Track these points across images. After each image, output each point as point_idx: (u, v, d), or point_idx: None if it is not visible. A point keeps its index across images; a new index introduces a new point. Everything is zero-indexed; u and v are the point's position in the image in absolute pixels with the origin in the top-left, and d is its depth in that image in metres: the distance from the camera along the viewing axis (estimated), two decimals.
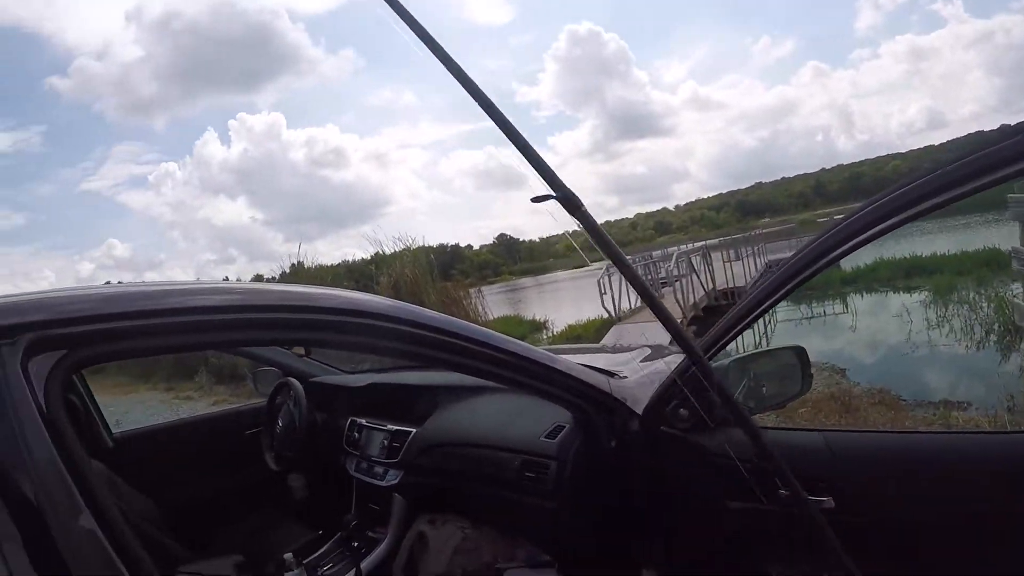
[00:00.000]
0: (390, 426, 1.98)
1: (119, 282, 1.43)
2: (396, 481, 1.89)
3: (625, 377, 1.61)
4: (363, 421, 2.12)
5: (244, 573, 1.69)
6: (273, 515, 2.20)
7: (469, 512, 1.73)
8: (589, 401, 1.42)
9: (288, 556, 1.71)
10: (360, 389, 2.30)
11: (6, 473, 0.77)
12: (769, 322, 10.40)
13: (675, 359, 1.81)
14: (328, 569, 1.86)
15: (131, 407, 9.19)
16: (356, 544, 1.90)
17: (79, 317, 0.90)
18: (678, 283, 11.17)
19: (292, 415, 2.15)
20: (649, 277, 13.50)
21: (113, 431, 2.30)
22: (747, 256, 15.65)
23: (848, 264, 13.60)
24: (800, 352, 1.39)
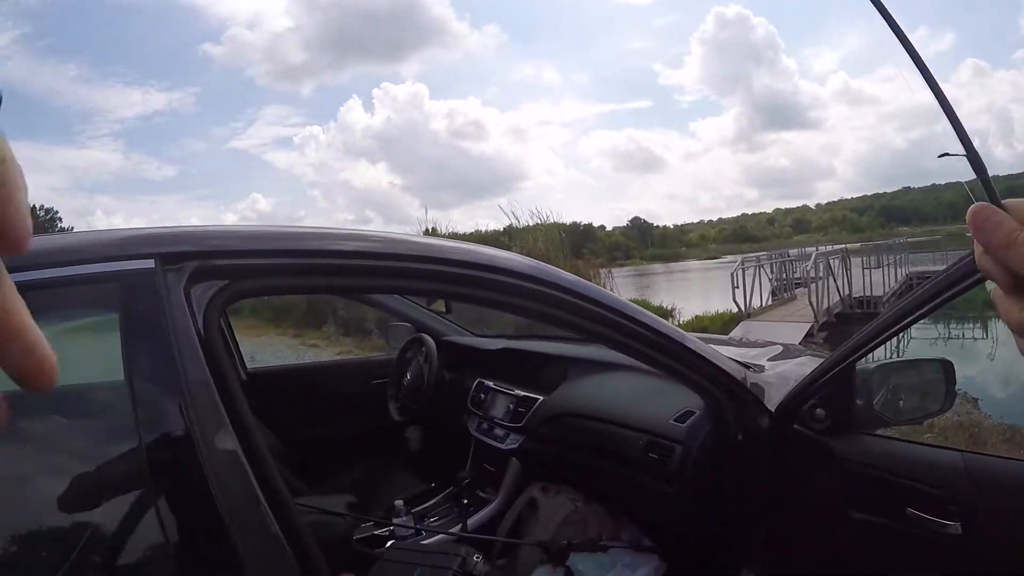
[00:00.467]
0: (517, 391, 2.01)
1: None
2: (516, 446, 1.92)
3: (762, 371, 1.55)
4: (491, 383, 2.16)
5: (355, 511, 1.77)
6: (389, 463, 2.29)
7: (583, 486, 1.74)
8: (723, 390, 1.37)
9: (399, 503, 1.80)
10: (491, 352, 2.34)
11: (162, 390, 0.83)
12: (902, 338, 9.50)
13: (808, 360, 1.76)
14: (435, 521, 1.93)
15: (260, 348, 9.86)
16: (466, 501, 1.95)
17: (241, 250, 0.97)
18: (813, 285, 10.51)
19: (422, 370, 2.21)
20: (784, 276, 13.25)
21: (249, 366, 2.50)
22: (888, 265, 14.44)
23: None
24: (947, 366, 1.28)
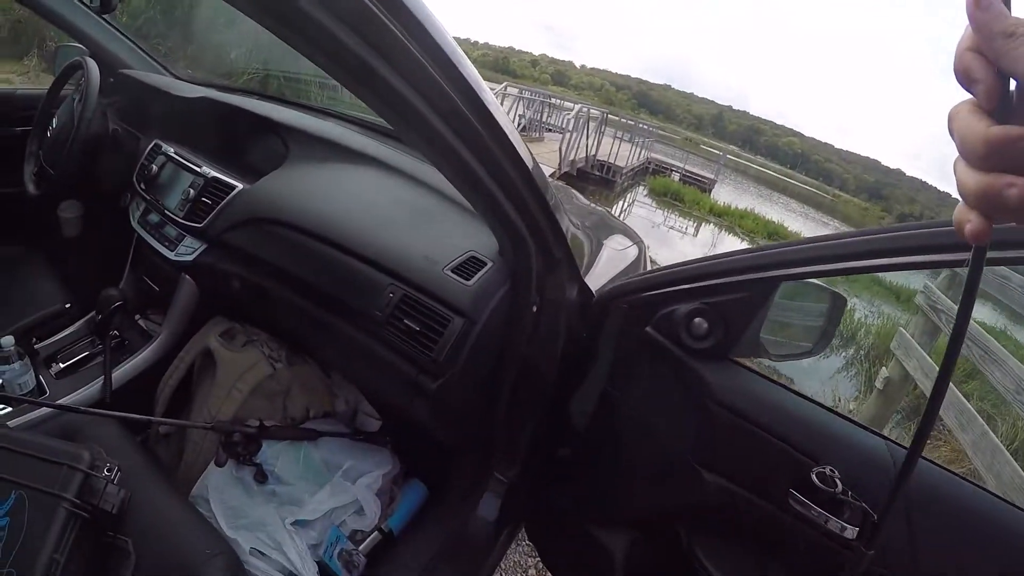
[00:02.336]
0: (207, 169, 1.35)
1: None
2: (191, 257, 1.31)
3: (579, 227, 1.14)
4: (171, 150, 1.44)
5: None
6: (17, 258, 1.57)
7: (288, 335, 1.23)
8: (537, 235, 0.90)
9: (7, 340, 1.17)
10: (184, 102, 1.56)
11: None
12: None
13: (617, 236, 1.46)
14: (64, 366, 1.32)
15: None
16: (114, 336, 1.36)
17: None
18: (567, 136, 10.84)
19: (73, 114, 1.43)
20: (538, 119, 13.29)
21: None
22: (636, 144, 15.79)
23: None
24: (838, 301, 0.98)
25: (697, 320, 0.91)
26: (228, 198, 1.28)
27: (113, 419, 1.00)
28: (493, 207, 0.81)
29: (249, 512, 1.01)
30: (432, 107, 0.60)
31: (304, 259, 1.11)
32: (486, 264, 1.02)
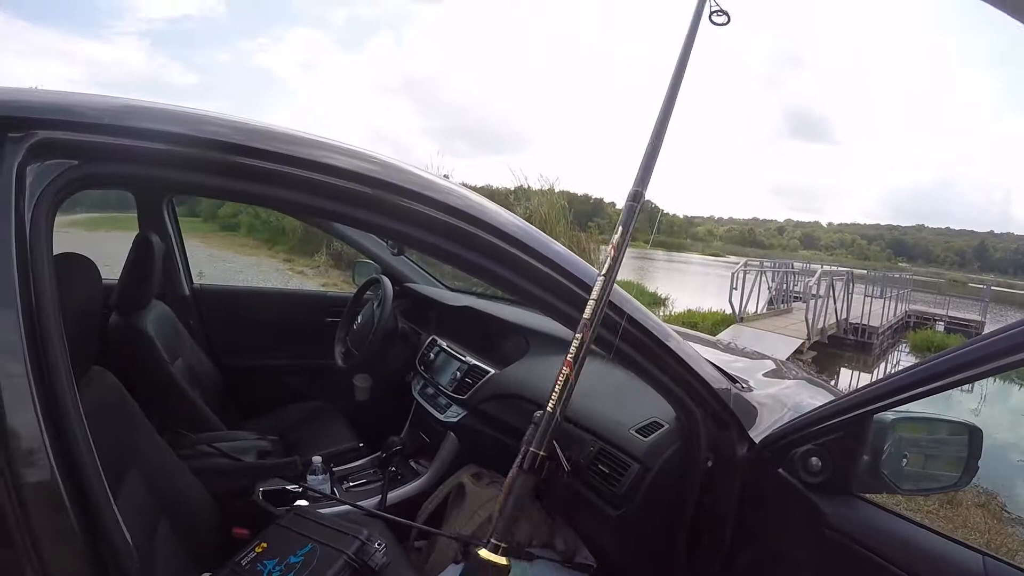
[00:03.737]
0: (469, 358, 1.81)
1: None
2: (456, 419, 1.73)
3: (749, 389, 1.29)
4: (444, 343, 1.97)
5: (271, 457, 1.64)
6: (322, 411, 2.10)
7: None
8: (703, 405, 1.12)
9: (317, 459, 1.63)
10: (452, 309, 2.14)
11: None
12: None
13: (806, 387, 1.52)
14: (355, 485, 1.74)
15: (247, 268, 9.90)
16: (393, 469, 1.78)
17: (111, 126, 0.72)
18: (812, 302, 10.38)
19: (373, 315, 2.02)
20: (784, 288, 13.16)
21: (196, 281, 2.30)
22: (890, 297, 14.36)
23: None
24: (974, 433, 1.00)
25: (813, 459, 1.01)
26: (484, 379, 1.70)
27: (384, 522, 1.34)
28: (657, 386, 1.10)
29: None
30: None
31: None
32: (663, 426, 1.24)
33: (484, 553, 0.55)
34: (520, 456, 0.87)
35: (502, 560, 0.56)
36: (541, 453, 0.76)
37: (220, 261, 9.56)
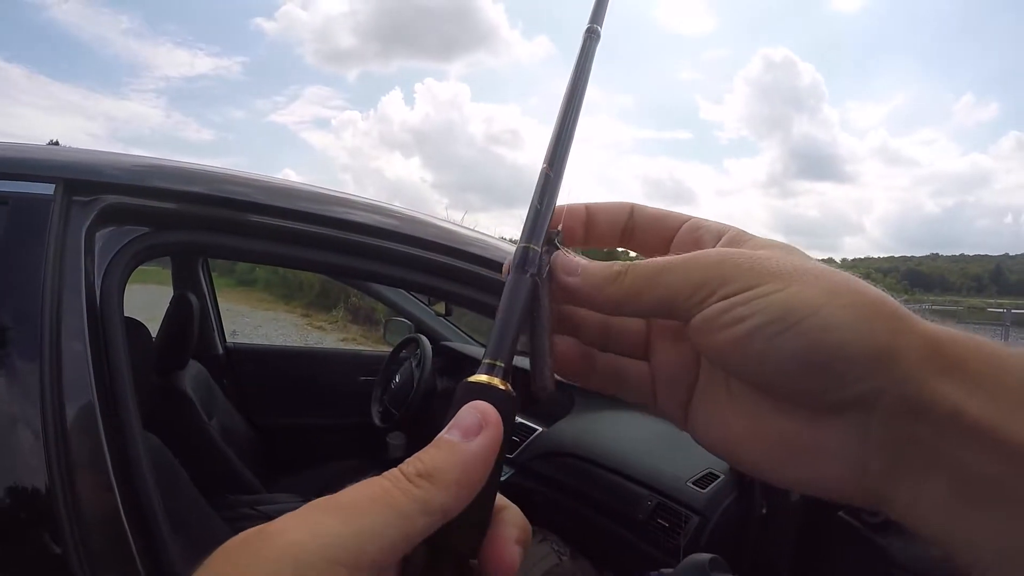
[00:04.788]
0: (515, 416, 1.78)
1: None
2: (504, 478, 1.67)
3: None
4: None
5: None
6: (361, 470, 2.04)
7: (572, 537, 1.49)
8: None
9: None
10: None
11: (18, 369, 0.59)
12: None
13: None
14: None
15: (265, 323, 9.88)
16: None
17: (179, 192, 0.72)
18: None
19: (412, 373, 1.99)
20: None
21: (229, 340, 2.29)
22: None
23: None
24: None
25: None
26: (531, 437, 1.67)
27: None
28: None
29: None
30: None
31: (587, 480, 1.44)
32: (719, 476, 1.27)
33: (479, 377, 0.23)
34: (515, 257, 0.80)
35: (501, 384, 0.29)
36: (533, 247, 0.40)
37: (238, 315, 9.57)
